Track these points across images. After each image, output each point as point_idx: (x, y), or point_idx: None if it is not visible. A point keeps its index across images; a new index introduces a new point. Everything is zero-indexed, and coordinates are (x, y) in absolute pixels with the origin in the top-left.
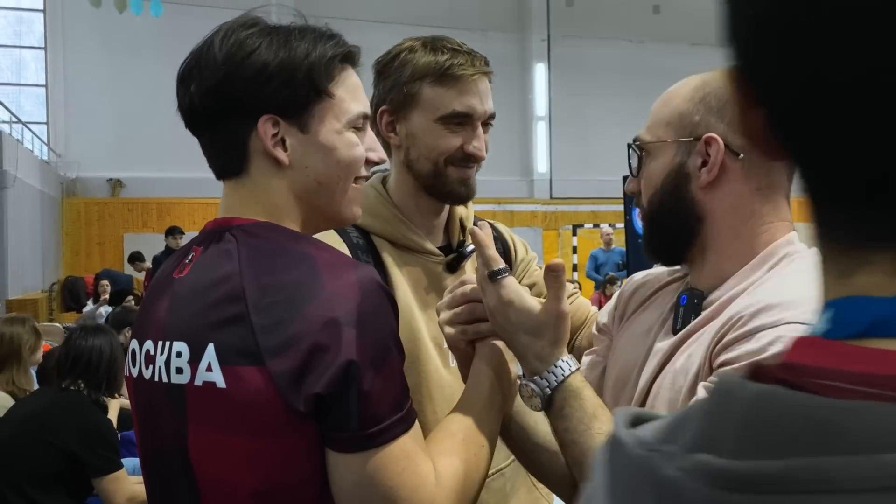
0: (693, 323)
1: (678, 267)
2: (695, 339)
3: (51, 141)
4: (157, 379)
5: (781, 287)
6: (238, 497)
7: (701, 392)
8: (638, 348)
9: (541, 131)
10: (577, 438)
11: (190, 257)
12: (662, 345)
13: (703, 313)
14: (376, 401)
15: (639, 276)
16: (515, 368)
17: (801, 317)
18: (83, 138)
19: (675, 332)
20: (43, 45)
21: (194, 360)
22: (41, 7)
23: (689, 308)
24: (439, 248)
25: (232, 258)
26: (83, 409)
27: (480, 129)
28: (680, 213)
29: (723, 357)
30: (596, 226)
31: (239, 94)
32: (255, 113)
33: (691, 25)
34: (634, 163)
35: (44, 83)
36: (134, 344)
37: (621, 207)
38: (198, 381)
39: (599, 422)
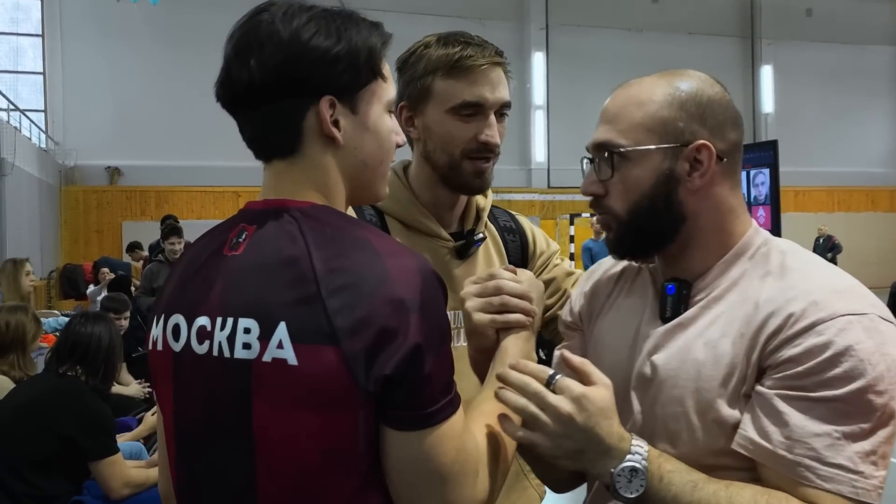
0: (688, 312)
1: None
2: (703, 329)
3: (49, 129)
4: (216, 354)
5: (812, 282)
6: (295, 468)
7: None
8: (623, 333)
9: (539, 120)
10: (691, 499)
11: (243, 236)
12: (653, 330)
13: (698, 302)
14: (434, 382)
15: (607, 263)
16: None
17: (851, 308)
18: (81, 126)
19: (663, 319)
20: (40, 33)
21: (264, 337)
22: None
23: (677, 297)
24: (452, 235)
25: (296, 240)
26: (81, 394)
27: (493, 118)
28: (668, 215)
29: (784, 353)
30: (593, 215)
31: (305, 74)
32: (317, 93)
33: (690, 15)
34: (605, 166)
35: (41, 71)
36: (177, 319)
37: None
38: (266, 358)
39: (696, 473)
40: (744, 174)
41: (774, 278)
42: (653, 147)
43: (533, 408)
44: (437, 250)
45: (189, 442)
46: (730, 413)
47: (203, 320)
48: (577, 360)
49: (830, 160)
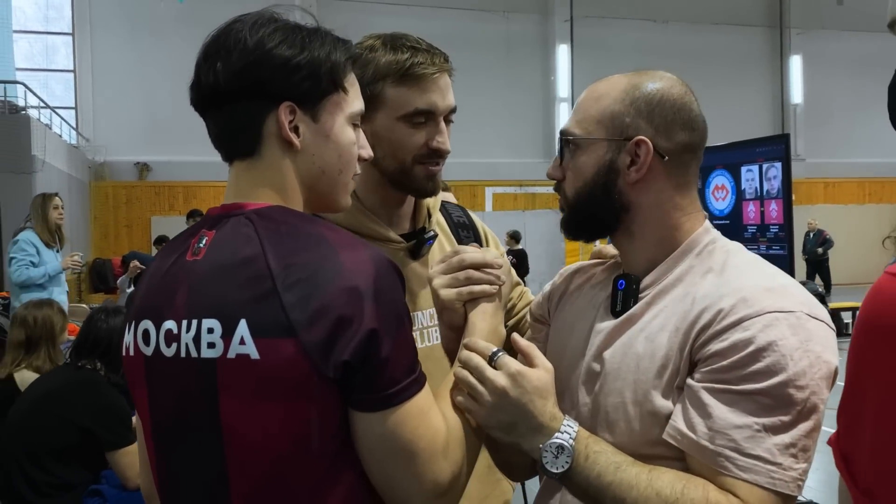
0: (635, 307)
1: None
2: (646, 324)
3: (79, 125)
4: (182, 355)
5: (745, 280)
6: (264, 456)
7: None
8: (579, 328)
9: (563, 113)
10: (613, 478)
11: (204, 241)
12: (603, 325)
13: (644, 298)
14: (394, 364)
15: (572, 266)
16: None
17: (779, 305)
18: (111, 123)
19: (614, 314)
20: (71, 31)
21: (227, 335)
22: None
23: (627, 292)
24: (404, 236)
25: (252, 241)
26: (98, 387)
27: (443, 124)
28: (607, 204)
29: (712, 347)
30: None
31: (266, 79)
32: (277, 98)
33: (716, 4)
34: (565, 153)
35: (72, 68)
36: (146, 325)
37: None
38: (230, 354)
39: (622, 455)
40: (755, 168)
41: (713, 275)
42: (598, 138)
43: (472, 379)
44: (390, 254)
45: (165, 440)
46: (663, 404)
47: (169, 324)
48: (523, 343)
49: (861, 151)
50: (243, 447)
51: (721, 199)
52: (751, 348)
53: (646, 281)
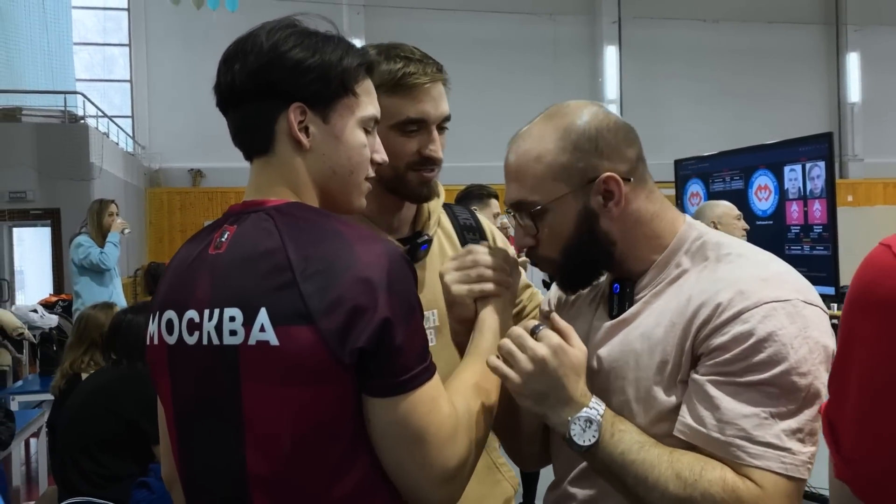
0: (631, 308)
1: None
2: (642, 322)
3: (135, 133)
4: (204, 342)
5: (740, 272)
6: (282, 439)
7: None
8: (580, 329)
9: None
10: (636, 457)
11: (225, 236)
12: (600, 325)
13: (640, 299)
14: (406, 352)
15: None
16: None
17: (775, 295)
18: (166, 131)
19: (611, 316)
20: (128, 42)
21: (248, 323)
22: (125, 6)
23: (622, 295)
24: (405, 239)
25: (272, 235)
26: (144, 381)
27: (435, 133)
28: (597, 247)
29: (714, 341)
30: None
31: (277, 80)
32: (288, 99)
33: (769, 2)
34: (528, 222)
35: (129, 78)
36: (170, 315)
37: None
38: (251, 341)
39: (645, 436)
40: (798, 167)
41: (707, 272)
42: (563, 194)
43: (512, 346)
44: None
45: (187, 426)
46: (666, 399)
47: (191, 313)
48: (563, 324)
49: None
50: (263, 430)
51: (764, 200)
52: (752, 340)
53: (640, 283)
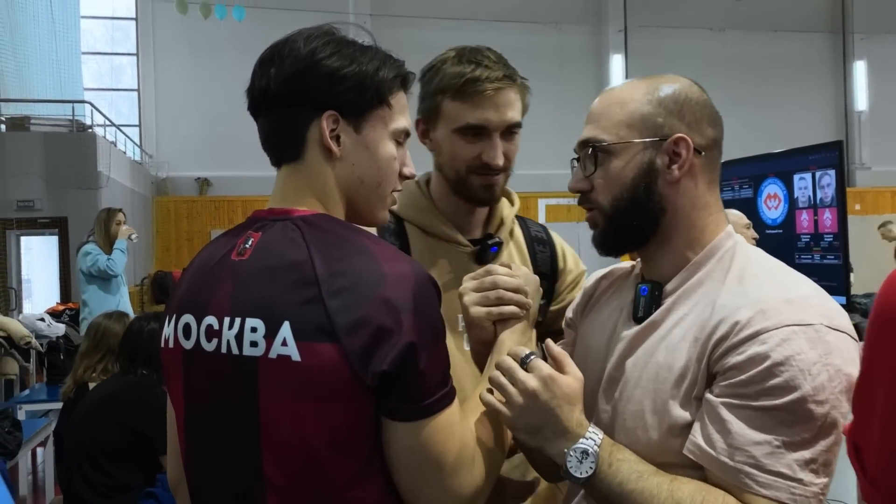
0: (656, 313)
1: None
2: (667, 331)
3: (143, 142)
4: (223, 351)
5: (765, 290)
6: (298, 455)
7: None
8: (602, 334)
9: None
10: (635, 487)
11: (250, 242)
12: (626, 332)
13: (665, 303)
14: (428, 376)
15: (602, 270)
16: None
17: (798, 318)
18: (173, 139)
19: (636, 319)
20: (136, 52)
21: (270, 335)
22: (134, 15)
23: (650, 298)
24: (478, 240)
25: (299, 246)
26: (152, 390)
27: (497, 139)
28: (649, 207)
29: (729, 360)
30: None
31: (313, 87)
32: (321, 106)
33: (775, 11)
34: (589, 162)
35: (136, 87)
36: (187, 319)
37: None
38: (272, 354)
39: (644, 465)
40: (808, 176)
41: (733, 283)
42: (633, 141)
43: (503, 379)
44: (455, 255)
45: (199, 432)
46: (681, 414)
47: (210, 319)
48: (556, 349)
49: None
50: (280, 443)
51: (773, 209)
52: (767, 363)
53: (668, 287)
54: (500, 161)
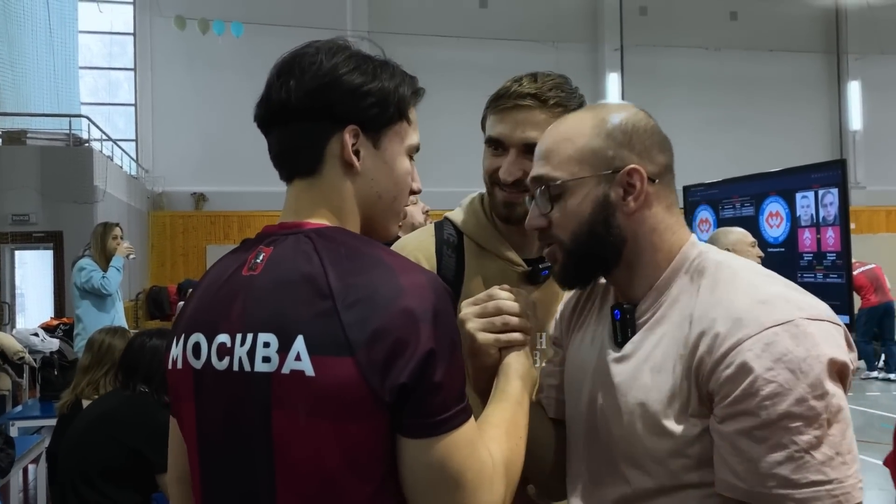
0: (636, 337)
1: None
2: (648, 353)
3: (139, 157)
4: (236, 369)
5: (736, 297)
6: (313, 474)
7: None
8: (589, 356)
9: None
10: None
11: (261, 257)
12: (609, 357)
13: (642, 325)
14: (445, 390)
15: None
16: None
17: (775, 317)
18: (169, 154)
19: (616, 344)
20: (133, 67)
21: (283, 350)
22: (131, 31)
23: (623, 322)
24: (532, 260)
25: (312, 259)
26: (148, 408)
27: (512, 155)
28: (609, 240)
29: (720, 375)
30: None
31: (336, 102)
32: (343, 121)
33: (770, 31)
34: (544, 200)
35: (133, 102)
36: (197, 338)
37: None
38: (285, 370)
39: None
40: (811, 194)
41: (706, 293)
42: (587, 176)
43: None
44: (507, 273)
45: (212, 453)
46: (678, 432)
47: (223, 337)
48: None
49: None
50: (293, 462)
51: (775, 227)
52: (757, 370)
53: (641, 307)
54: (509, 178)
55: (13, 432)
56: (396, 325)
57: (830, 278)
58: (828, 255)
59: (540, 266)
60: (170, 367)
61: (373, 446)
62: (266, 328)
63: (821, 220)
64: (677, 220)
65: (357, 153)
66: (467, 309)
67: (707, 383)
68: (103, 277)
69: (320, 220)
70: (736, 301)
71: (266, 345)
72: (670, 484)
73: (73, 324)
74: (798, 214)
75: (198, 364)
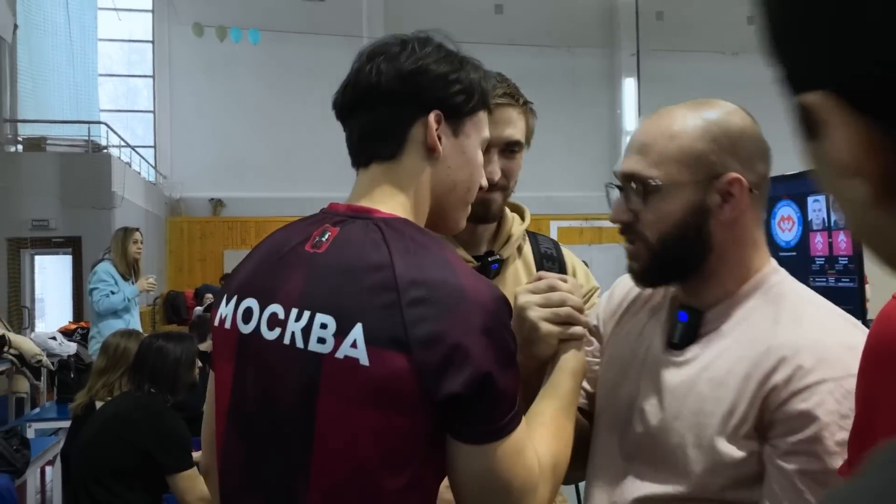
0: (698, 344)
1: None
2: (709, 363)
3: (157, 163)
4: (286, 342)
5: (826, 335)
6: (348, 461)
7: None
8: (632, 353)
9: None
10: None
11: (326, 236)
12: (663, 357)
13: (705, 333)
14: (502, 400)
15: (627, 279)
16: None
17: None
18: (187, 160)
19: (672, 345)
20: (151, 74)
21: (340, 335)
22: (150, 38)
23: (687, 326)
24: (479, 257)
25: (380, 248)
26: (159, 411)
27: (494, 155)
28: (696, 245)
29: (795, 407)
30: None
31: (425, 87)
32: (430, 106)
33: None
34: (635, 196)
35: (152, 109)
36: (250, 303)
37: None
38: (339, 354)
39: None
40: (822, 198)
41: (788, 323)
42: (685, 181)
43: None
44: None
45: (245, 420)
46: (727, 451)
47: (276, 308)
48: None
49: None
50: (331, 446)
51: (787, 231)
52: (836, 415)
53: (709, 315)
54: (496, 177)
55: (30, 434)
56: (456, 331)
57: (842, 282)
58: (840, 259)
59: (490, 260)
60: (216, 324)
61: (411, 443)
62: (325, 309)
63: (832, 223)
64: (761, 235)
65: (439, 139)
66: (528, 296)
67: (774, 411)
68: (106, 296)
69: (391, 210)
70: (825, 340)
71: (323, 326)
72: (699, 496)
73: (90, 327)
74: (810, 218)
75: (246, 329)
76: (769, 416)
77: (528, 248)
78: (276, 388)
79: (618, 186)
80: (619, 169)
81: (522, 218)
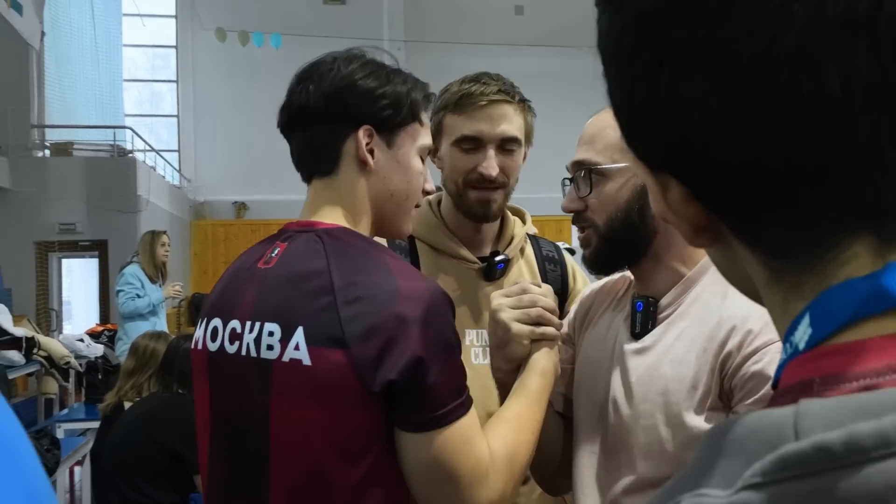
0: (656, 329)
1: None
2: (670, 345)
3: (181, 167)
4: (244, 353)
5: None
6: (304, 459)
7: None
8: (604, 349)
9: None
10: None
11: (276, 251)
12: (627, 347)
13: (663, 319)
14: (439, 388)
15: (596, 284)
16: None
17: None
18: (211, 164)
19: (634, 336)
20: (175, 79)
21: (285, 340)
22: (174, 43)
23: (645, 314)
24: (485, 257)
25: (320, 256)
26: (186, 410)
27: (491, 152)
28: (641, 228)
29: (749, 369)
30: None
31: (352, 104)
32: (359, 121)
33: None
34: (583, 183)
35: (176, 113)
36: (216, 322)
37: None
38: (285, 358)
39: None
40: None
41: (736, 295)
42: (627, 164)
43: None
44: (463, 272)
45: (220, 431)
46: (696, 422)
47: (235, 323)
48: None
49: None
50: (286, 446)
51: None
52: None
53: (664, 301)
54: (493, 172)
55: (59, 434)
56: (389, 325)
57: None
58: None
59: (495, 260)
60: (192, 346)
61: (362, 435)
62: (272, 318)
63: None
64: None
65: (371, 152)
66: (500, 300)
67: (732, 377)
68: (131, 299)
69: (333, 221)
70: None
71: (270, 333)
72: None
73: (117, 329)
74: None
75: (213, 346)
76: (728, 383)
77: (530, 251)
78: (240, 398)
79: (569, 179)
80: (570, 161)
81: (523, 221)
